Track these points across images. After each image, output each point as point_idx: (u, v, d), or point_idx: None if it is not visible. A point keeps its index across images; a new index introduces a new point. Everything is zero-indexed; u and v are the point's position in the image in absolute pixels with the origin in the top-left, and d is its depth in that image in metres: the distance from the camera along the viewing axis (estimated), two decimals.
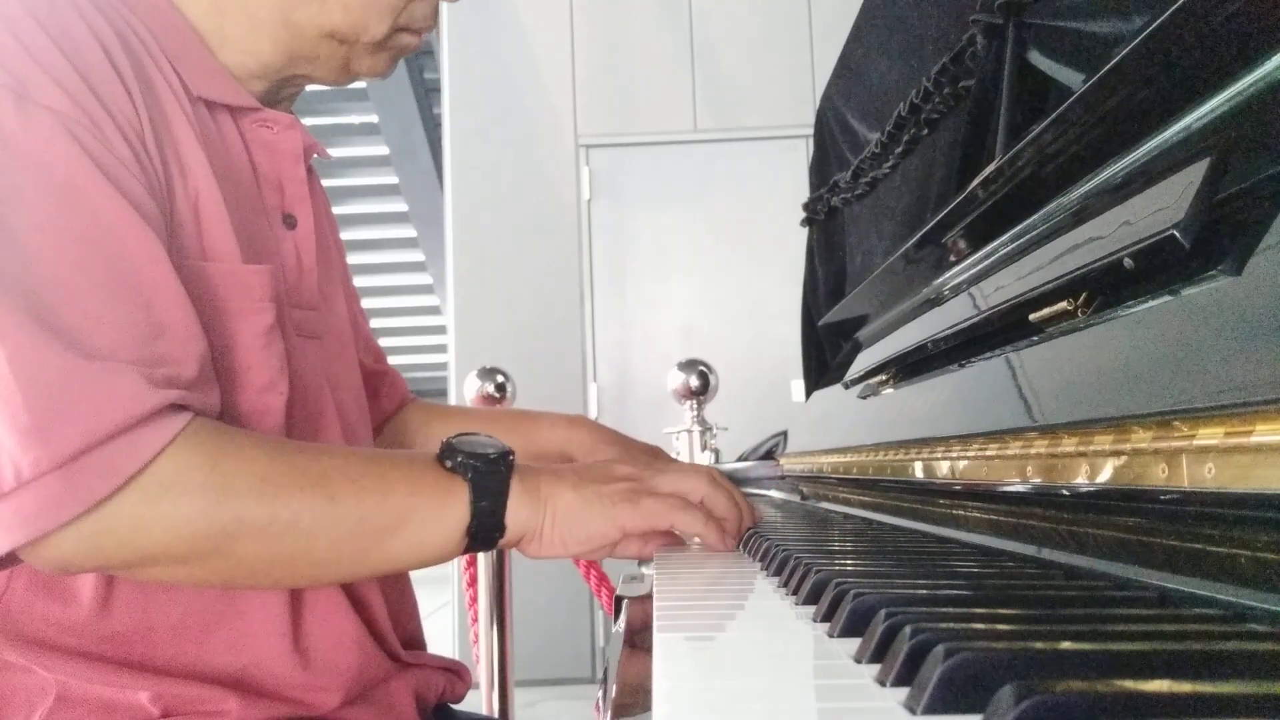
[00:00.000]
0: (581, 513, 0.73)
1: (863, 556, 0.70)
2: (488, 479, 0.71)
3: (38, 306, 0.60)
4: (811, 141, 2.08)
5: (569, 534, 0.74)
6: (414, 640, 0.91)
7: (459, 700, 0.95)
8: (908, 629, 0.36)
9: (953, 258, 0.98)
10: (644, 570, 0.79)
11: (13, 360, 0.59)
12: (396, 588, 0.89)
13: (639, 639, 0.58)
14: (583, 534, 0.74)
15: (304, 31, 0.79)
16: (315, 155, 0.87)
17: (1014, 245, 0.78)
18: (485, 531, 0.71)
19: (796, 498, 1.43)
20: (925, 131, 1.23)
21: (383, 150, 7.26)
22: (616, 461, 0.82)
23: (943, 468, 0.79)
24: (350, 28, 0.80)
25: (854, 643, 0.41)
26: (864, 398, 1.22)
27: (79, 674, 0.70)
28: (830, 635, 0.45)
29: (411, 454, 0.75)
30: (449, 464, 0.72)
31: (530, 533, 0.73)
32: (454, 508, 0.70)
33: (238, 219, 0.75)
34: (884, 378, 1.15)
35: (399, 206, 7.84)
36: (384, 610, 0.84)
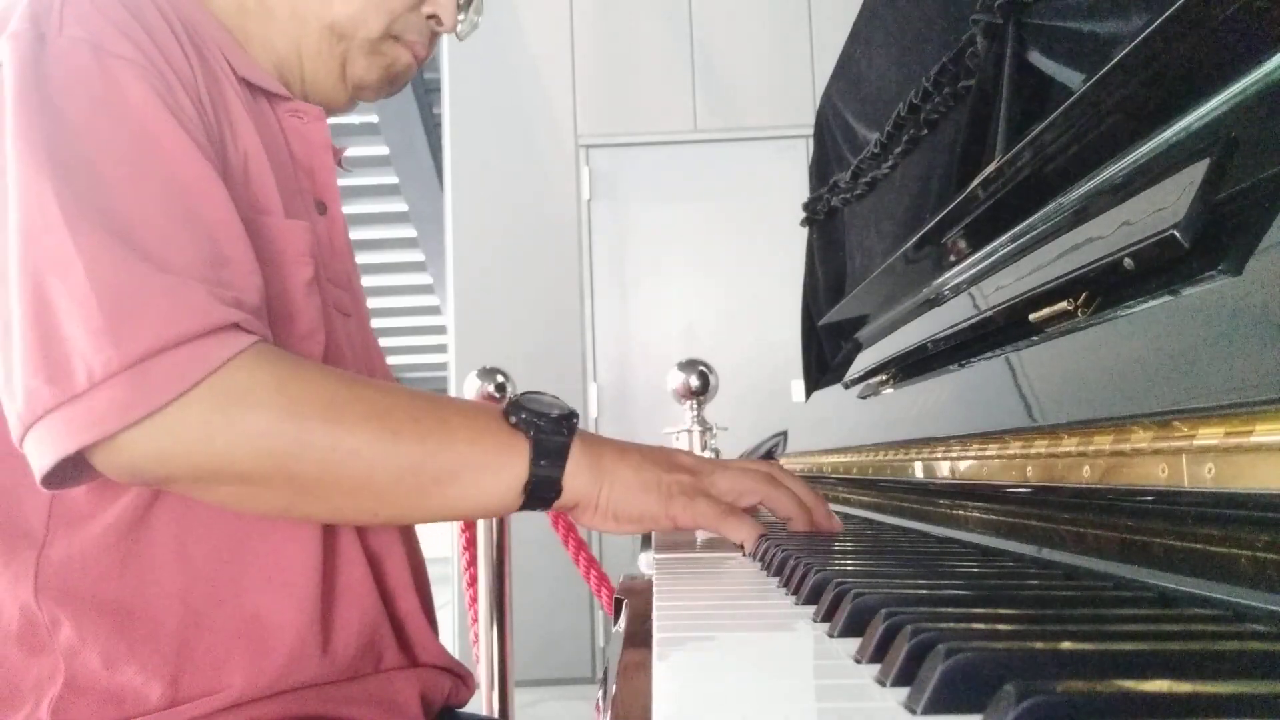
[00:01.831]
0: (639, 494, 0.73)
1: (863, 556, 0.70)
2: (549, 439, 0.71)
3: (115, 225, 0.64)
4: (811, 141, 2.08)
5: (622, 510, 0.73)
6: (429, 633, 0.91)
7: (463, 705, 0.95)
8: (908, 629, 0.36)
9: (953, 257, 0.98)
10: (644, 570, 0.79)
11: (90, 269, 0.62)
12: (419, 575, 0.90)
13: (639, 639, 0.58)
14: (635, 513, 0.73)
15: (308, 24, 0.85)
16: (338, 159, 0.92)
17: (1014, 245, 0.78)
18: (542, 491, 0.71)
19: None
20: (925, 131, 1.23)
21: (383, 150, 7.25)
22: (687, 452, 0.82)
23: (943, 468, 0.79)
24: (349, 21, 0.85)
25: (854, 643, 0.41)
26: (864, 398, 1.22)
27: (97, 641, 0.70)
28: (830, 635, 0.45)
29: (477, 404, 0.75)
30: (513, 419, 0.72)
31: (586, 501, 0.73)
32: (514, 464, 0.70)
33: (280, 184, 0.79)
34: (884, 378, 1.15)
35: (399, 206, 7.84)
36: (403, 586, 0.84)
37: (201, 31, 0.79)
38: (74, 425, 0.61)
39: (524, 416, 0.71)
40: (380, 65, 0.89)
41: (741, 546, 0.76)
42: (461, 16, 0.91)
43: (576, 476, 0.72)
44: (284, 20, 0.85)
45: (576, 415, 0.74)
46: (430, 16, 0.89)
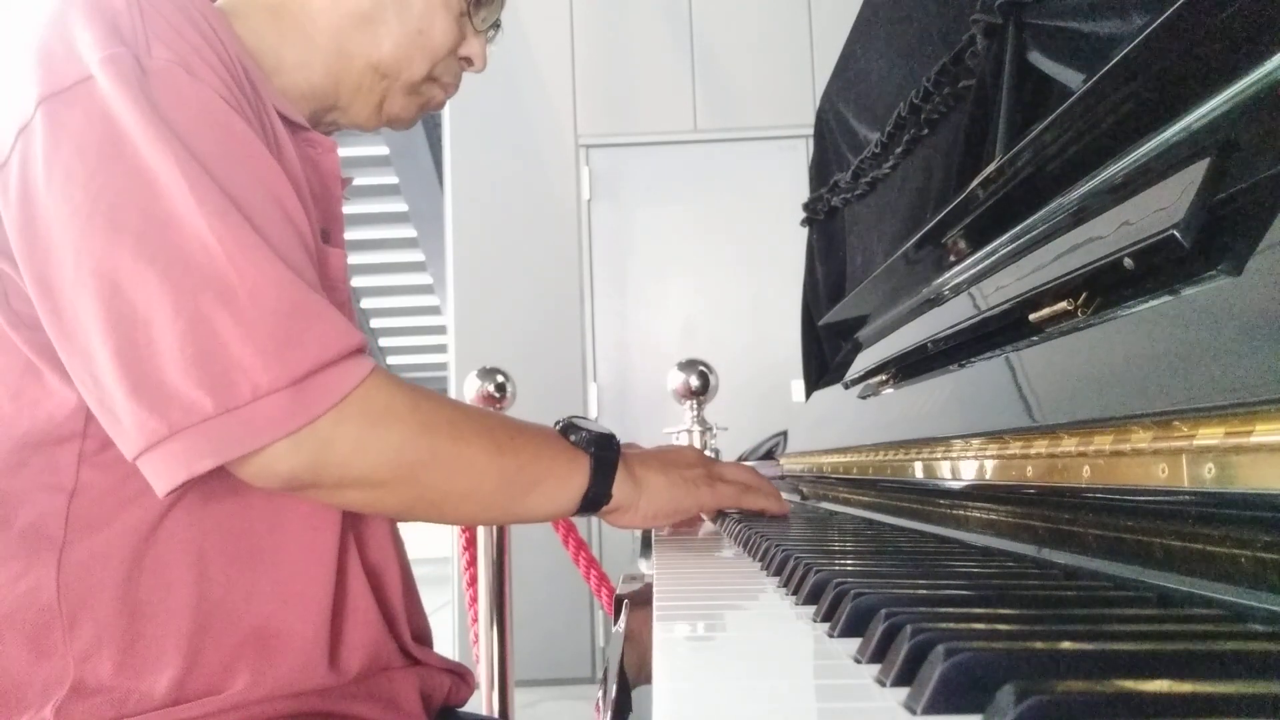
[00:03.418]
0: (671, 491, 0.88)
1: (863, 556, 0.70)
2: (605, 455, 0.83)
3: (265, 241, 0.68)
4: (811, 141, 2.08)
5: (659, 509, 0.87)
6: (422, 635, 0.92)
7: (463, 704, 0.96)
8: (908, 629, 0.36)
9: (953, 257, 0.98)
10: (644, 570, 0.80)
11: (252, 287, 0.66)
12: (409, 580, 0.91)
13: (639, 639, 0.58)
14: (669, 510, 0.88)
15: (353, 61, 0.86)
16: (345, 188, 0.92)
17: (1014, 245, 0.78)
18: (596, 499, 0.83)
19: (797, 498, 1.43)
20: (925, 131, 1.23)
21: (383, 150, 7.25)
22: (686, 448, 0.97)
23: (943, 468, 0.79)
24: (395, 62, 0.87)
25: (854, 643, 0.41)
26: (864, 398, 1.22)
27: (108, 642, 0.71)
28: (830, 635, 0.45)
29: (541, 426, 0.85)
30: (573, 438, 0.84)
31: (626, 505, 0.85)
32: (578, 476, 0.82)
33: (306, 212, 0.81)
34: (884, 378, 1.15)
35: (399, 206, 7.84)
36: (400, 596, 0.86)
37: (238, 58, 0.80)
38: (235, 434, 0.65)
39: (583, 436, 0.84)
40: (417, 104, 0.92)
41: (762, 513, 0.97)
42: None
43: (622, 486, 0.84)
44: (326, 52, 0.85)
45: (616, 436, 0.86)
46: (464, 58, 0.92)
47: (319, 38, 0.85)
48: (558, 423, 0.86)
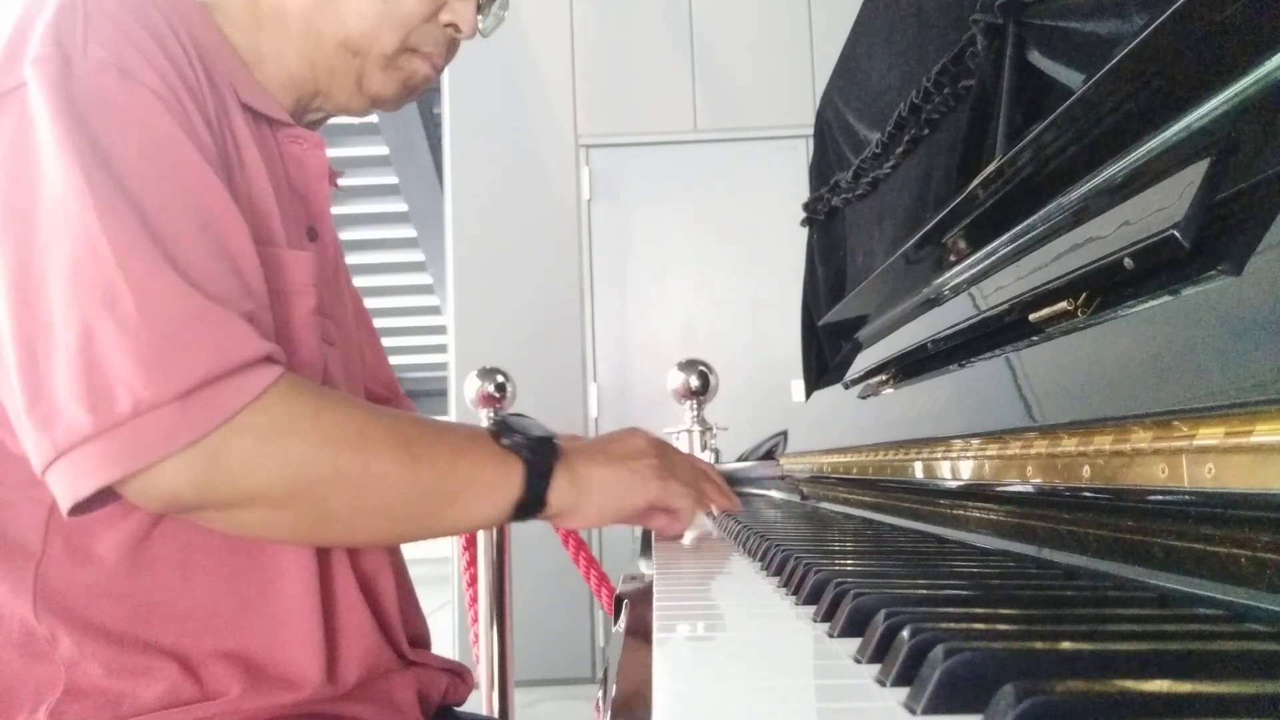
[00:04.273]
0: (615, 485, 0.81)
1: (863, 556, 0.70)
2: (538, 459, 0.77)
3: (161, 254, 0.64)
4: (811, 141, 2.07)
5: (604, 506, 0.80)
6: (419, 638, 0.92)
7: (461, 702, 0.95)
8: (908, 629, 0.36)
9: (953, 258, 0.98)
10: (644, 570, 0.80)
11: (141, 300, 0.62)
12: (404, 584, 0.90)
13: (639, 639, 0.58)
14: (614, 505, 0.81)
15: (324, 41, 0.84)
16: (334, 182, 0.90)
17: (1014, 245, 0.78)
18: (530, 506, 0.77)
19: (796, 498, 1.43)
20: (925, 131, 1.23)
21: (383, 150, 7.25)
22: (637, 433, 0.87)
23: (943, 468, 0.79)
24: (363, 37, 0.83)
25: (854, 643, 0.41)
26: (864, 398, 1.22)
27: (96, 653, 0.70)
28: (830, 635, 0.45)
29: (471, 428, 0.80)
30: (505, 442, 0.77)
31: (566, 508, 0.79)
32: (509, 483, 0.76)
33: (281, 214, 0.79)
34: (884, 378, 1.15)
35: (399, 206, 7.83)
36: (394, 603, 0.85)
37: (211, 54, 0.78)
38: (115, 453, 0.61)
39: (516, 439, 0.77)
40: (397, 79, 0.87)
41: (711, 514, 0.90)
42: (481, 17, 0.89)
43: (560, 489, 0.78)
44: (298, 36, 0.83)
45: (555, 435, 0.80)
46: (448, 25, 0.87)
47: (290, 23, 0.83)
48: (492, 423, 0.80)
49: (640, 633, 0.59)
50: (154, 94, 0.69)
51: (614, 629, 0.69)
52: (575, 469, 0.79)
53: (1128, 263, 0.54)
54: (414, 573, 0.95)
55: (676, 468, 0.86)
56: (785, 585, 0.59)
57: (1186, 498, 0.43)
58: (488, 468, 0.75)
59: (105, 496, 0.64)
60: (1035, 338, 0.67)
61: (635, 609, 0.66)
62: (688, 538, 0.94)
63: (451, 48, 0.90)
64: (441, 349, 5.73)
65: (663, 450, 0.86)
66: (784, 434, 1.74)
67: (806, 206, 1.96)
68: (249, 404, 0.65)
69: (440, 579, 4.20)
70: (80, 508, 0.63)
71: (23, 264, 0.64)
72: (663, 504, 0.83)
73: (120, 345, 0.62)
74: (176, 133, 0.69)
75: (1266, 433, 0.38)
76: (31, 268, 0.64)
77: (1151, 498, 0.47)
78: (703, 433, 2.11)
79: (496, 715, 1.95)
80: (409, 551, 0.93)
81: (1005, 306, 0.73)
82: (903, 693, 0.33)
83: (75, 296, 0.63)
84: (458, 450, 0.75)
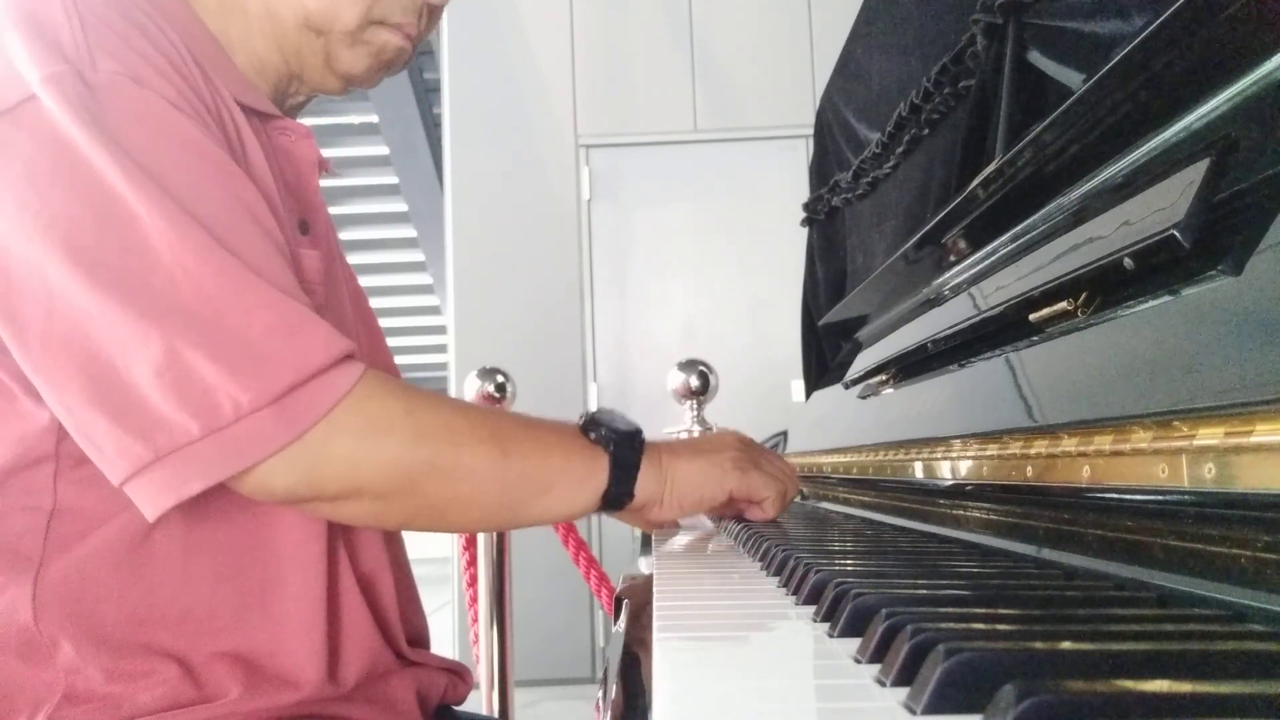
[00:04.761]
0: (697, 477, 0.84)
1: (863, 556, 0.70)
2: (625, 453, 0.79)
3: (230, 252, 0.66)
4: (811, 141, 2.07)
5: (685, 498, 0.83)
6: (419, 638, 0.91)
7: (460, 702, 0.95)
8: (908, 629, 0.36)
9: (953, 257, 0.98)
10: (644, 570, 0.80)
11: (222, 304, 0.64)
12: (405, 582, 0.90)
13: (639, 639, 0.58)
14: (695, 497, 0.84)
15: (285, 21, 0.81)
16: (324, 171, 0.89)
17: (1014, 245, 0.78)
18: (617, 498, 0.79)
19: (797, 498, 1.43)
20: (926, 131, 1.23)
21: (383, 150, 7.24)
22: (730, 433, 0.92)
23: (943, 468, 0.79)
24: (322, 15, 0.81)
25: (854, 643, 0.41)
26: (864, 398, 1.22)
27: (95, 658, 0.70)
28: (830, 635, 0.45)
29: (560, 423, 0.82)
30: (592, 435, 0.79)
31: (652, 500, 0.81)
32: (596, 475, 0.78)
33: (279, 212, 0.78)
34: (884, 378, 1.15)
35: (399, 206, 7.83)
36: (394, 602, 0.85)
37: (200, 51, 0.77)
38: (222, 454, 0.64)
39: (603, 433, 0.80)
40: (367, 54, 0.84)
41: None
42: None
43: (646, 482, 0.80)
44: (259, 19, 0.81)
45: (642, 430, 0.82)
46: None
47: (251, 7, 0.81)
48: (582, 416, 0.82)
49: (640, 633, 0.59)
50: (167, 100, 0.69)
51: (614, 629, 0.69)
52: (661, 462, 0.82)
53: (1128, 263, 0.54)
54: (414, 572, 0.95)
55: (761, 461, 0.89)
56: (785, 585, 0.59)
57: (1186, 498, 0.43)
58: (575, 462, 0.78)
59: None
60: (1035, 338, 0.67)
61: (635, 609, 0.66)
62: (684, 538, 0.94)
63: (430, 15, 0.86)
64: (441, 349, 5.74)
65: (748, 445, 0.90)
66: (784, 434, 1.74)
67: (806, 206, 1.96)
68: (341, 400, 0.67)
69: (440, 579, 4.20)
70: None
71: (72, 283, 0.64)
72: (743, 495, 0.86)
73: (209, 355, 0.64)
74: (200, 135, 0.69)
75: (1266, 433, 0.38)
76: (82, 285, 0.64)
77: (1151, 498, 0.47)
78: (703, 433, 2.11)
79: (496, 715, 1.95)
80: (410, 551, 0.93)
81: (1005, 306, 0.73)
82: (903, 693, 0.33)
83: (150, 311, 0.63)
84: (547, 445, 0.77)
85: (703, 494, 0.84)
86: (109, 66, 0.67)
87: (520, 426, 0.77)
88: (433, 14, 0.86)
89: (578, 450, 0.78)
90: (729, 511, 0.92)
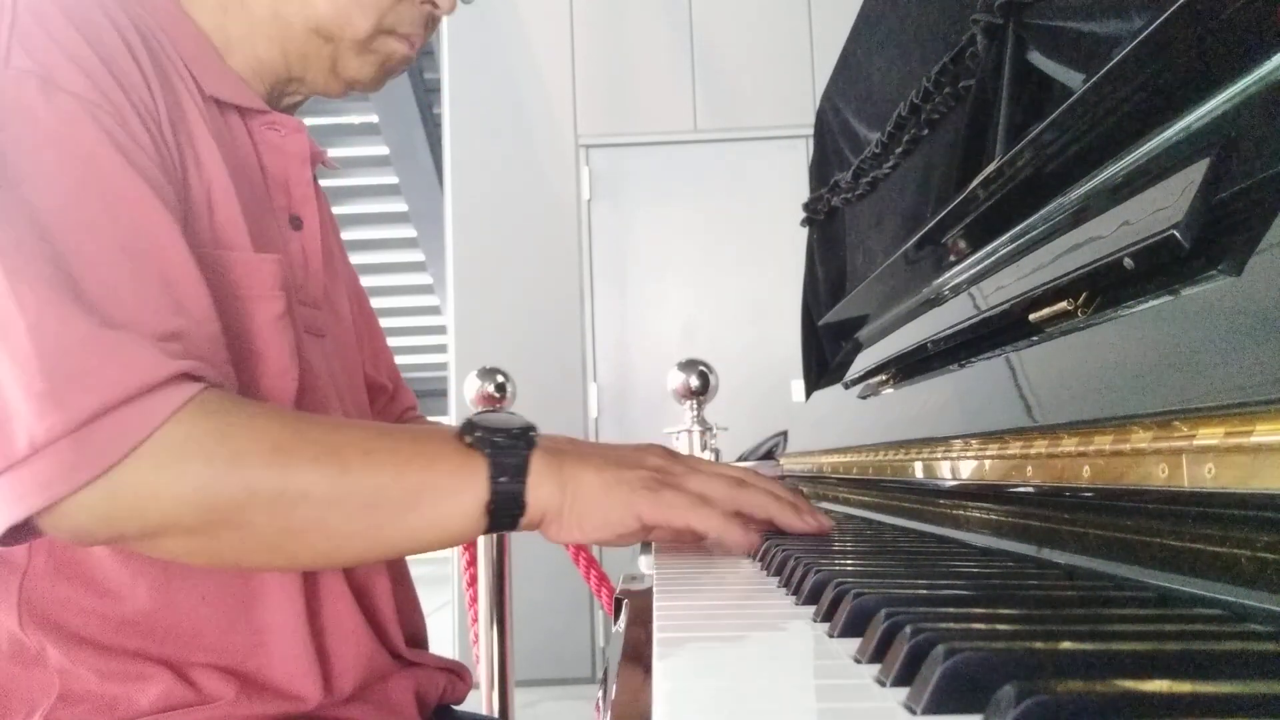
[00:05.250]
0: (602, 497, 0.69)
1: (863, 556, 0.70)
2: (507, 455, 0.68)
3: (60, 278, 0.60)
4: (811, 141, 2.07)
5: (586, 519, 0.69)
6: (417, 638, 0.91)
7: (460, 701, 0.95)
8: (908, 629, 0.36)
9: (953, 257, 0.98)
10: (644, 570, 0.79)
11: (33, 328, 0.59)
12: (402, 584, 0.90)
13: (639, 639, 0.58)
14: (599, 520, 0.69)
15: (292, 26, 0.81)
16: (320, 164, 0.88)
17: (1014, 245, 0.78)
18: (506, 510, 0.68)
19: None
20: (925, 131, 1.23)
21: (383, 150, 7.25)
22: (655, 447, 0.77)
23: (943, 468, 0.79)
24: (334, 22, 0.80)
25: (854, 643, 0.41)
26: (864, 398, 1.22)
27: (87, 662, 0.70)
28: (830, 635, 0.45)
29: (430, 429, 0.73)
30: (468, 439, 0.69)
31: (551, 513, 0.69)
32: (473, 484, 0.67)
33: (248, 212, 0.76)
34: (884, 378, 1.15)
35: (399, 206, 7.84)
36: (390, 605, 0.84)
37: (169, 48, 0.75)
38: (17, 492, 0.59)
39: (478, 435, 0.68)
40: (373, 63, 0.84)
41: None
42: None
43: (539, 489, 0.68)
44: (265, 21, 0.80)
45: (534, 428, 0.71)
46: (425, 2, 0.84)
47: (256, 8, 0.80)
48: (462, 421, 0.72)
49: (640, 633, 0.59)
50: (80, 102, 0.65)
51: (614, 629, 0.69)
52: (563, 470, 0.69)
53: (1128, 263, 0.54)
54: (414, 572, 0.95)
55: (687, 479, 0.73)
56: (785, 585, 0.59)
57: (1186, 498, 0.43)
58: (443, 470, 0.67)
59: (31, 528, 0.62)
60: (1035, 338, 0.67)
61: (635, 609, 0.66)
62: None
63: (430, 25, 0.87)
64: (441, 349, 5.73)
65: (672, 460, 0.75)
66: (784, 434, 1.74)
67: (806, 206, 1.96)
68: (156, 430, 0.60)
69: (440, 579, 4.20)
70: (6, 540, 0.62)
71: None
72: (659, 520, 0.69)
73: (12, 378, 0.59)
74: (101, 145, 0.65)
75: (1266, 433, 0.38)
76: None
77: (1151, 498, 0.47)
78: (703, 433, 2.11)
79: (496, 715, 1.95)
80: None
81: (1005, 306, 0.73)
82: (903, 693, 0.33)
83: None
84: (406, 455, 0.67)
85: (607, 516, 0.69)
86: (21, 64, 0.65)
87: (373, 437, 0.68)
88: (431, 22, 0.87)
89: (446, 457, 0.67)
90: (662, 539, 0.75)
